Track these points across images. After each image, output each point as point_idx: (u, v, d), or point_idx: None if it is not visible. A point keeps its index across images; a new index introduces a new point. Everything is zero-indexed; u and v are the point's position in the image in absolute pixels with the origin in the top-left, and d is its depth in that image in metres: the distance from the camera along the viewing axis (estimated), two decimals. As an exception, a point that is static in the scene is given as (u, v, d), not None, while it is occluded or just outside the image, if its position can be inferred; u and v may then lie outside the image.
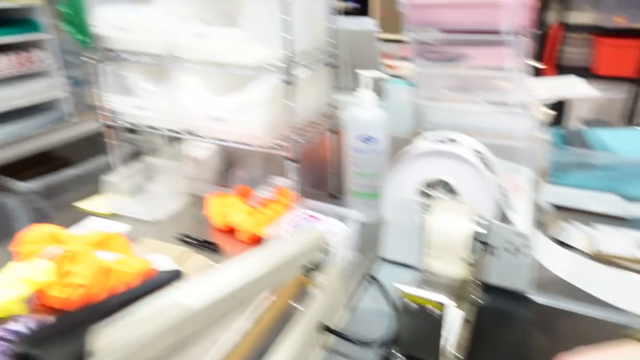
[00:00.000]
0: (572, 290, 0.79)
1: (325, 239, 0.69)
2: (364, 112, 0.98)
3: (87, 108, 1.81)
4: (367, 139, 0.99)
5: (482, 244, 0.68)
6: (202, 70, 0.94)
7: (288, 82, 0.90)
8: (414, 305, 0.58)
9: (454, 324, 0.64)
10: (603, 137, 1.20)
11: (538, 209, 1.06)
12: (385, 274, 0.89)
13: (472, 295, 0.74)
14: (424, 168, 0.87)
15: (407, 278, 0.62)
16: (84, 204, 1.22)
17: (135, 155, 1.30)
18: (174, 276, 0.75)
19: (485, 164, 0.85)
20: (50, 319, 0.64)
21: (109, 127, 1.20)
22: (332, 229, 0.92)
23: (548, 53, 3.07)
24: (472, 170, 0.82)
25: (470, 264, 0.67)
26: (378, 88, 1.06)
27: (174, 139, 1.38)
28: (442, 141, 0.88)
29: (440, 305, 0.57)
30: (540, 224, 1.00)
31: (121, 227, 1.12)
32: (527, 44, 0.91)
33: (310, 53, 1.00)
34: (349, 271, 0.91)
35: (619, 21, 2.80)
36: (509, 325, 0.79)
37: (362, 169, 1.05)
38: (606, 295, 0.74)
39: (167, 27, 0.87)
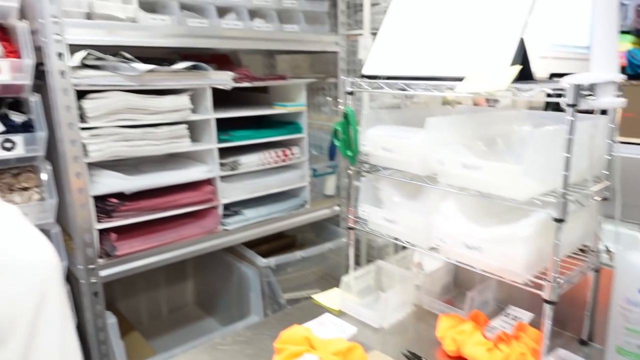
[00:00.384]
0: None
1: None
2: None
3: (321, 197, 2.01)
4: (651, 295, 0.82)
5: None
6: (461, 196, 0.94)
7: (558, 220, 0.82)
8: None
9: None
10: None
11: None
12: None
13: None
14: None
15: None
16: (318, 297, 1.31)
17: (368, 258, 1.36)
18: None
19: None
20: None
21: (351, 229, 1.28)
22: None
23: None
24: None
25: None
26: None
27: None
28: None
29: None
30: None
31: (350, 329, 1.15)
32: None
33: (584, 185, 0.91)
34: None
35: None
36: None
37: (637, 326, 0.87)
38: None
39: (436, 155, 0.91)
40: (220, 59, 1.87)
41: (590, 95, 0.79)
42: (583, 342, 1.07)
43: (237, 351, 1.08)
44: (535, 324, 1.04)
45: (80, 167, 1.30)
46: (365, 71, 1.10)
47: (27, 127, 1.30)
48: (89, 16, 1.28)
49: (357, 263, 2.19)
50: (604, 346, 0.97)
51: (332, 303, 1.27)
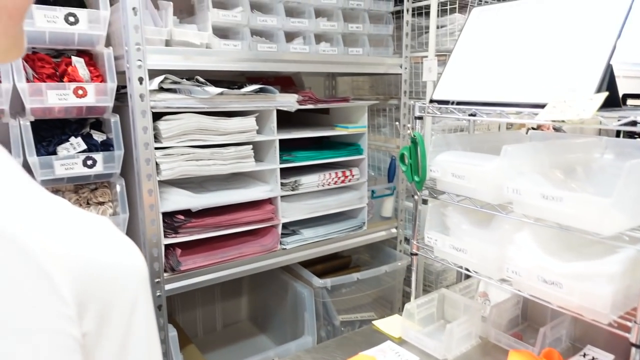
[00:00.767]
0: None
1: None
2: None
3: (378, 218, 1.99)
4: None
5: None
6: (537, 227, 0.90)
7: (650, 258, 0.76)
8: None
9: None
10: None
11: None
12: None
13: None
14: None
15: None
16: (378, 323, 1.29)
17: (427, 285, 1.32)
18: None
19: None
20: None
21: (414, 254, 1.26)
22: None
23: None
24: None
25: None
26: None
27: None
28: None
29: None
30: None
31: (412, 359, 1.12)
32: None
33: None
34: None
35: None
36: None
37: None
38: None
39: (512, 184, 0.87)
40: (284, 81, 1.92)
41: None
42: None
43: (299, 374, 1.08)
44: (616, 367, 0.97)
45: (153, 184, 1.36)
46: (436, 96, 1.09)
47: (105, 146, 1.39)
48: (167, 43, 1.35)
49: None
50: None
51: (393, 330, 1.24)
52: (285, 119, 1.63)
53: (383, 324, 1.28)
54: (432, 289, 2.03)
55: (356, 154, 1.78)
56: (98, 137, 1.41)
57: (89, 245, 0.38)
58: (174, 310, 2.04)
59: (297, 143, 1.72)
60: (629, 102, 1.58)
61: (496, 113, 0.95)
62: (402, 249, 2.04)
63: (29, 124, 1.24)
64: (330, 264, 2.13)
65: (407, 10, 1.80)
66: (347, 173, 1.78)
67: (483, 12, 1.13)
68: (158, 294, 1.43)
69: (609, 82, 0.84)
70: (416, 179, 1.10)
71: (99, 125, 1.46)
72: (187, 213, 1.49)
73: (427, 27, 1.79)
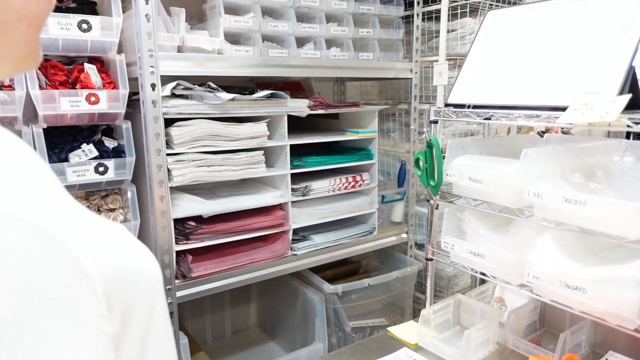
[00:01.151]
0: None
1: None
2: None
3: (388, 223, 1.98)
4: None
5: None
6: (559, 231, 0.88)
7: (677, 263, 0.75)
8: None
9: None
10: None
11: None
12: None
13: None
14: None
15: None
16: (394, 330, 1.27)
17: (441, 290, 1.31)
18: None
19: None
20: None
21: (429, 260, 1.24)
22: None
23: None
24: None
25: None
26: None
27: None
28: None
29: None
30: None
31: (431, 366, 1.11)
32: None
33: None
34: None
35: None
36: None
37: None
38: None
39: (533, 188, 0.86)
40: (293, 86, 1.92)
41: None
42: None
43: (315, 382, 1.06)
44: (641, 373, 0.95)
45: (165, 191, 1.36)
46: (451, 100, 1.08)
47: (117, 152, 1.39)
48: (179, 49, 1.35)
49: (423, 293, 2.12)
50: None
51: (409, 337, 1.23)
52: (295, 125, 1.63)
53: (398, 331, 1.26)
54: (443, 295, 2.01)
55: (366, 159, 1.78)
56: (110, 143, 1.40)
57: (113, 249, 0.39)
58: (183, 317, 2.03)
59: (307, 148, 1.72)
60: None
61: (514, 116, 0.95)
62: (412, 254, 2.02)
63: (41, 130, 1.24)
64: (340, 270, 2.12)
65: (417, 15, 1.79)
66: (358, 178, 1.77)
67: (498, 16, 1.12)
68: (170, 301, 1.42)
69: (631, 84, 0.83)
70: (432, 183, 1.09)
71: (110, 131, 1.46)
72: (198, 219, 1.48)
73: (437, 32, 1.79)
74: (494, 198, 0.98)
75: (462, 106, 1.07)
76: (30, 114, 1.29)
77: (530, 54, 1.02)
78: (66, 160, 1.31)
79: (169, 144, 1.37)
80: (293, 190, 1.63)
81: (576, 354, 1.05)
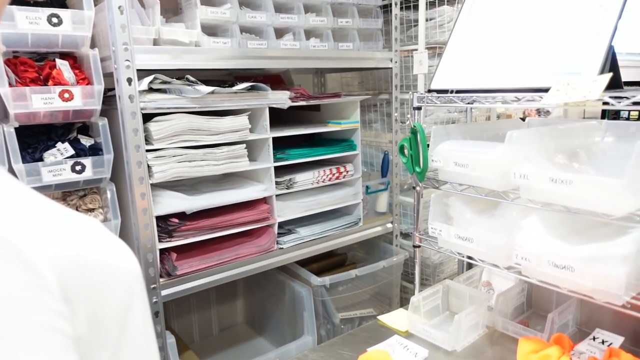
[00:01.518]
0: None
1: None
2: None
3: (373, 214, 1.98)
4: None
5: None
6: (545, 212, 0.89)
7: (661, 237, 0.76)
8: None
9: None
10: None
11: None
12: None
13: None
14: None
15: None
16: (384, 318, 1.27)
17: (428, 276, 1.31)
18: None
19: None
20: None
21: (417, 247, 1.25)
22: None
23: None
24: None
25: None
26: None
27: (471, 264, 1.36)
28: None
29: None
30: None
31: (422, 352, 1.11)
32: None
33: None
34: None
35: None
36: None
37: None
38: None
39: (520, 170, 0.87)
40: (273, 79, 1.89)
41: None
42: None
43: (308, 374, 1.06)
44: (625, 349, 0.97)
45: (145, 188, 1.32)
46: (434, 85, 1.08)
47: (94, 150, 1.34)
48: (155, 42, 1.31)
49: (410, 282, 2.14)
50: None
51: (399, 324, 1.23)
52: (276, 118, 1.61)
53: (388, 319, 1.26)
54: (429, 282, 2.02)
55: (350, 150, 1.77)
56: (86, 141, 1.36)
57: (78, 244, 0.36)
58: (169, 316, 2.00)
59: (289, 141, 1.70)
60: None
61: (497, 100, 0.95)
62: (398, 244, 2.03)
63: (13, 130, 1.19)
64: (326, 262, 2.11)
65: (395, 4, 1.79)
66: (342, 169, 1.77)
67: (477, 0, 1.12)
68: (155, 300, 1.39)
69: (611, 63, 0.84)
70: (417, 170, 1.09)
71: (86, 129, 1.42)
72: (181, 216, 1.45)
73: (416, 21, 1.78)
74: (480, 182, 0.98)
75: (445, 92, 1.07)
76: (1, 113, 1.24)
77: (511, 37, 1.02)
78: (41, 159, 1.26)
79: (148, 140, 1.34)
80: (277, 183, 1.61)
81: (564, 333, 1.07)
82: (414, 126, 1.08)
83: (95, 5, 1.22)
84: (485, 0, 1.12)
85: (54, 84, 1.24)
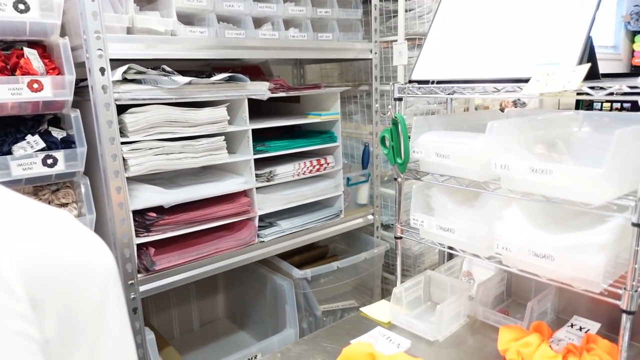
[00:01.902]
0: None
1: None
2: None
3: (354, 206, 1.97)
4: None
5: None
6: (525, 201, 0.90)
7: (638, 225, 0.77)
8: None
9: None
10: None
11: None
12: None
13: None
14: None
15: None
16: (366, 310, 1.27)
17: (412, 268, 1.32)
18: None
19: None
20: None
21: (399, 238, 1.25)
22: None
23: None
24: None
25: None
26: None
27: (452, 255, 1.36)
28: None
29: None
30: None
31: (404, 343, 1.11)
32: None
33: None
34: None
35: None
36: None
37: None
38: None
39: (501, 160, 0.87)
40: (252, 70, 1.86)
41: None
42: (655, 353, 1.01)
43: (291, 368, 1.05)
44: (601, 334, 0.99)
45: (121, 182, 1.29)
46: (415, 76, 1.07)
47: (66, 143, 1.30)
48: (129, 31, 1.27)
49: (391, 273, 2.15)
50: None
51: (381, 315, 1.23)
52: (255, 110, 1.58)
53: (371, 310, 1.26)
54: (410, 273, 2.04)
55: (330, 142, 1.76)
56: (57, 134, 1.31)
57: (46, 240, 0.34)
58: (148, 313, 1.96)
59: (269, 133, 1.68)
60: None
61: (477, 90, 0.95)
62: (379, 235, 2.04)
63: (-21, 122, 1.14)
64: (308, 255, 2.10)
65: (375, -6, 1.78)
66: (322, 161, 1.75)
67: (457, -10, 1.11)
68: (133, 296, 1.36)
69: (589, 54, 0.84)
70: (399, 161, 1.09)
71: (57, 121, 1.36)
72: (158, 210, 1.42)
73: (395, 11, 1.78)
74: (461, 172, 0.98)
75: (426, 82, 1.06)
76: (-35, 104, 1.19)
77: (490, 27, 1.02)
78: (9, 153, 1.21)
79: (123, 132, 1.30)
80: (257, 176, 1.59)
81: (543, 320, 1.08)
82: (395, 117, 1.07)
83: (64, -9, 1.17)
84: (465, -10, 1.12)
85: (22, 74, 1.19)
